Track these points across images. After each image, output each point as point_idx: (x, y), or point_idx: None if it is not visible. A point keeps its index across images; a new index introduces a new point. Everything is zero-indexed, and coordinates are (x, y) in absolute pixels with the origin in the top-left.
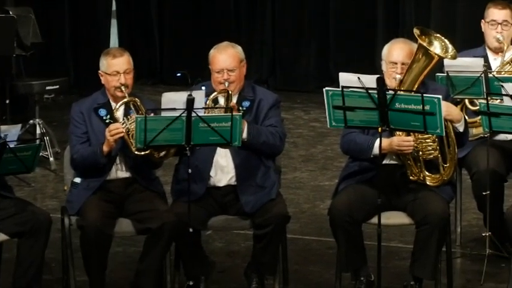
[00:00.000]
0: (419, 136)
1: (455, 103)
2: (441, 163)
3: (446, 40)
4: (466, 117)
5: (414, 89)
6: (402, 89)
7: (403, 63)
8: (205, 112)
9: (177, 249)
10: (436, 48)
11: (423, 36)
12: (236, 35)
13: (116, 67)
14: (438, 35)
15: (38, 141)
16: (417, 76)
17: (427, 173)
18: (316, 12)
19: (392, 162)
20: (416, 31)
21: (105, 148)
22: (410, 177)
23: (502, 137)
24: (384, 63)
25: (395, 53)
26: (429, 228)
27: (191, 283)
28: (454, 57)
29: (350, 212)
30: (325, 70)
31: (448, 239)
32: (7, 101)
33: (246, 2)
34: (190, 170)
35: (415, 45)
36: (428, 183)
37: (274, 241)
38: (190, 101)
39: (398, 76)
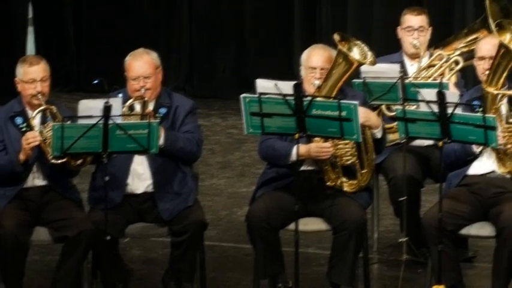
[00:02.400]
0: (337, 142)
1: (373, 109)
2: (358, 169)
3: (365, 46)
4: (383, 123)
5: (333, 95)
6: (319, 95)
7: (322, 69)
8: (122, 119)
9: (95, 257)
10: (356, 54)
11: (343, 42)
12: (153, 42)
13: (32, 75)
14: (358, 41)
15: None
16: (336, 82)
17: (344, 179)
18: (233, 18)
19: (309, 168)
20: (336, 37)
21: (21, 156)
22: (328, 183)
23: (418, 142)
24: (303, 68)
25: (315, 58)
26: (346, 234)
27: None
28: (373, 63)
29: (267, 218)
30: (242, 77)
31: (365, 244)
32: None
33: (163, 9)
34: (107, 178)
35: (334, 51)
36: (345, 189)
37: (192, 248)
38: (107, 108)
39: (317, 82)
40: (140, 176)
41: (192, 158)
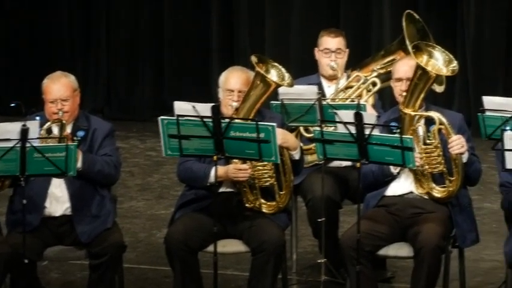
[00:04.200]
0: (255, 164)
1: (290, 130)
2: (277, 190)
3: (282, 68)
4: (301, 145)
5: (251, 117)
6: (237, 117)
7: (240, 91)
8: (40, 142)
9: (12, 281)
10: (273, 76)
11: (260, 64)
12: (70, 64)
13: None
14: (275, 63)
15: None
16: (254, 104)
17: (262, 200)
18: (151, 40)
19: (228, 190)
20: (253, 59)
21: None
22: (246, 205)
23: (336, 163)
24: (221, 90)
25: (233, 80)
26: (265, 256)
27: None
28: (291, 85)
29: (186, 240)
30: (160, 99)
31: (283, 266)
32: None
33: (80, 31)
34: (24, 201)
35: (252, 73)
36: (264, 210)
37: (111, 270)
38: (24, 131)
39: (234, 104)
40: (58, 199)
41: (111, 181)
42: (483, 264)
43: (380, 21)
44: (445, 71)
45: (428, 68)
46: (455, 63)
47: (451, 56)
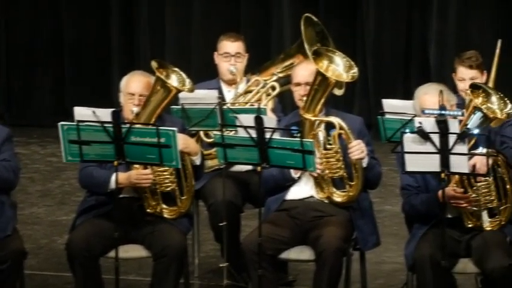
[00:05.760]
0: (157, 169)
1: (191, 135)
2: (178, 195)
3: (183, 73)
4: (202, 150)
5: (152, 122)
6: (138, 122)
7: (140, 95)
8: None
9: None
10: (174, 81)
11: (161, 69)
12: None
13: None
14: (176, 68)
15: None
16: (155, 109)
17: (164, 205)
18: (51, 46)
19: (129, 195)
20: (154, 64)
21: None
22: (148, 210)
23: (237, 168)
24: (122, 95)
25: (134, 84)
26: (167, 261)
27: None
28: (191, 90)
29: (87, 246)
30: (61, 104)
31: (185, 270)
32: None
33: None
34: None
35: (153, 78)
36: (165, 215)
37: (12, 277)
38: None
39: (135, 109)
40: None
41: (9, 186)
42: (384, 266)
43: (280, 25)
44: (345, 77)
45: (328, 74)
46: (355, 69)
47: (352, 62)
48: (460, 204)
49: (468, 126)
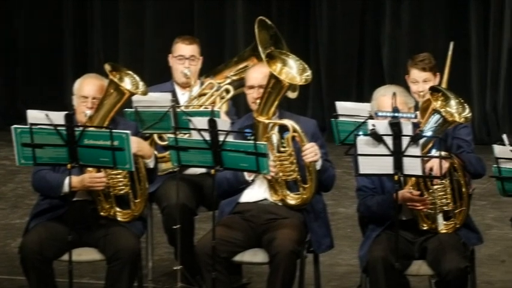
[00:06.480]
0: (110, 172)
1: (144, 138)
2: (132, 199)
3: (136, 76)
4: (156, 152)
5: (105, 125)
6: (91, 124)
7: (94, 98)
8: None
9: None
10: (127, 84)
11: (114, 72)
12: None
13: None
14: (129, 71)
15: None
16: (108, 112)
17: (117, 208)
18: (3, 48)
19: (83, 198)
20: (107, 67)
21: None
22: (101, 213)
23: (191, 171)
24: (76, 98)
25: (87, 87)
26: (120, 264)
27: None
28: (145, 93)
29: (41, 249)
30: (13, 107)
31: (139, 273)
32: None
33: None
34: None
35: (107, 81)
36: (119, 218)
37: None
38: None
39: (88, 112)
40: None
41: None
42: (338, 268)
43: (233, 28)
44: (298, 80)
45: (282, 77)
46: (309, 72)
47: (305, 65)
48: (416, 207)
49: (425, 129)
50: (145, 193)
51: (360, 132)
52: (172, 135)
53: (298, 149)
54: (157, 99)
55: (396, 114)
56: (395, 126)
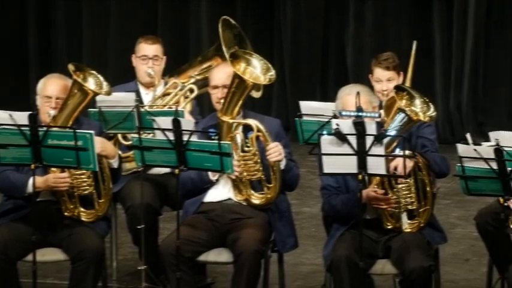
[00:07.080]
0: (74, 172)
1: (108, 138)
2: (96, 199)
3: (100, 76)
4: (120, 152)
5: (69, 125)
6: (55, 124)
7: (57, 98)
8: None
9: None
10: (91, 84)
11: (78, 72)
12: None
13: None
14: (93, 71)
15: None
16: (72, 112)
17: (81, 208)
18: None
19: (47, 198)
20: (71, 67)
21: None
22: (65, 213)
23: (155, 170)
24: (39, 98)
25: (50, 87)
26: (84, 264)
27: None
28: (108, 93)
29: (4, 250)
30: None
31: (104, 273)
32: None
33: None
34: None
35: (71, 81)
36: (83, 218)
37: None
38: None
39: (52, 112)
40: None
41: None
42: (303, 268)
43: (197, 27)
44: (262, 79)
45: (246, 77)
46: (272, 72)
47: (269, 65)
48: (380, 205)
49: (390, 128)
50: (110, 193)
51: (324, 132)
52: (136, 135)
53: (263, 148)
54: (121, 99)
55: (360, 114)
56: (359, 126)
